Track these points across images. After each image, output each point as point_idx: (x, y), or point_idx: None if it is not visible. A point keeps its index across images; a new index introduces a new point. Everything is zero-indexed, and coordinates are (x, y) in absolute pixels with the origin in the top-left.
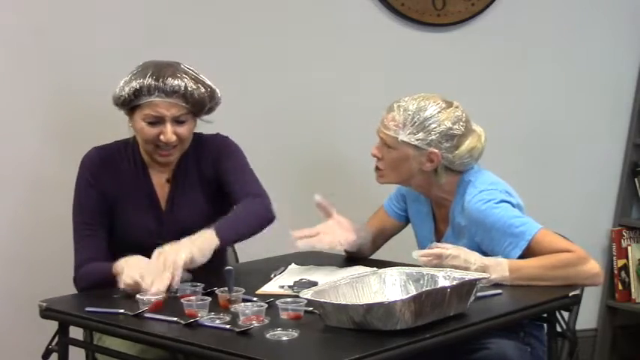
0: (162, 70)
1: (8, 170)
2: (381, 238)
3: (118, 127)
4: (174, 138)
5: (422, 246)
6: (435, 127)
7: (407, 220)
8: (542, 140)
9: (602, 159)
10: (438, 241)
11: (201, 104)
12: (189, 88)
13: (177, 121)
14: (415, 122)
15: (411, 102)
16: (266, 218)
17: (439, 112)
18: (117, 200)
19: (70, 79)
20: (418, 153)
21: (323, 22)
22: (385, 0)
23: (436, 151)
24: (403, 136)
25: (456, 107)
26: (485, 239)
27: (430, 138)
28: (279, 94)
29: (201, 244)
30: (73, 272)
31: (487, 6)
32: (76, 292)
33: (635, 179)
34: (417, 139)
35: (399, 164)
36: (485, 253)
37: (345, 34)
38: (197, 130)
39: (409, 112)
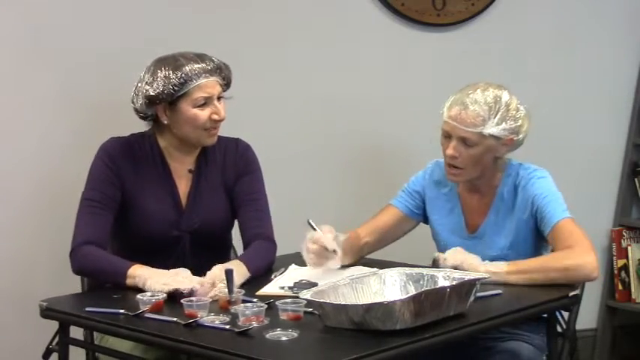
0: (185, 56)
1: (12, 170)
2: (392, 237)
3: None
4: (224, 114)
5: (449, 241)
6: (515, 114)
7: (421, 218)
8: (542, 140)
9: (602, 159)
10: (473, 232)
11: (230, 79)
12: (221, 66)
13: (218, 98)
14: (498, 112)
15: (481, 94)
16: (271, 264)
17: (509, 97)
18: (135, 190)
19: (75, 78)
20: (498, 142)
21: (323, 22)
22: (385, 0)
23: (514, 136)
24: (489, 129)
25: (505, 87)
26: (540, 204)
27: (515, 125)
28: (279, 95)
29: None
30: (71, 246)
31: (487, 6)
32: (73, 272)
33: (635, 179)
34: (503, 129)
35: (481, 158)
36: (535, 224)
37: (345, 34)
38: None
39: (490, 104)
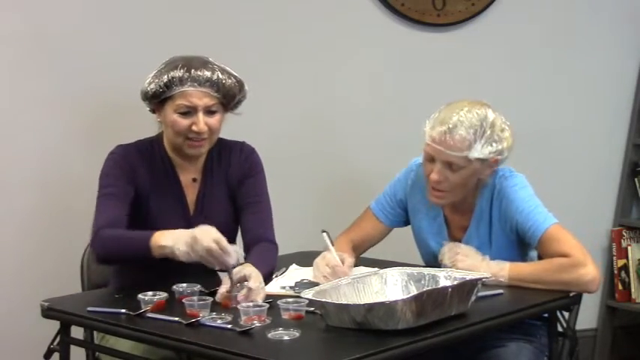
0: (191, 61)
1: (13, 171)
2: (369, 245)
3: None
4: (206, 128)
5: (434, 254)
6: (501, 134)
7: (402, 225)
8: (542, 140)
9: (602, 159)
10: None
11: (231, 95)
12: (220, 78)
13: (209, 111)
14: (484, 135)
15: (465, 115)
16: (274, 268)
17: (493, 115)
18: (144, 198)
19: (76, 80)
20: (483, 164)
21: (323, 22)
22: (385, 0)
23: (499, 157)
24: (475, 153)
25: (488, 105)
26: (518, 219)
27: (501, 147)
28: (278, 96)
29: None
30: (92, 234)
31: (487, 6)
32: (97, 262)
33: (635, 179)
34: (489, 152)
35: (467, 181)
36: (518, 236)
37: (345, 34)
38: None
39: (475, 127)
